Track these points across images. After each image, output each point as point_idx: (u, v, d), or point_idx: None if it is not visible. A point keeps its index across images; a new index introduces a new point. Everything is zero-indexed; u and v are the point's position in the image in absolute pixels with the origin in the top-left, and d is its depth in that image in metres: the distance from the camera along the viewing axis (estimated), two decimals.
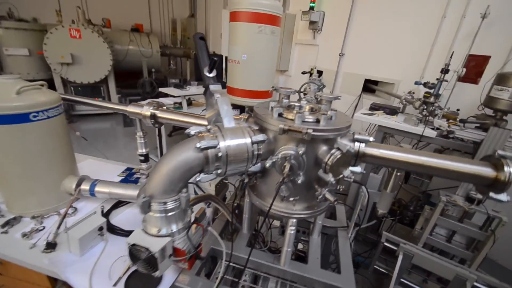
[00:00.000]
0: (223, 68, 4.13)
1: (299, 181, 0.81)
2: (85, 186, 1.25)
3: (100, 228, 1.07)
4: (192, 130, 0.80)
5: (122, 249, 1.08)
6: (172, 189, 0.77)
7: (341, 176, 0.83)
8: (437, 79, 2.10)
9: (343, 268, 1.06)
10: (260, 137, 0.81)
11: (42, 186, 1.20)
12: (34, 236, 1.11)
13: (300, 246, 1.48)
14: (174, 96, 4.06)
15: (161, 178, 0.76)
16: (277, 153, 0.82)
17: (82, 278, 0.94)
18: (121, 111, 1.27)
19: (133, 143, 4.77)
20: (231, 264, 1.02)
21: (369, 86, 3.47)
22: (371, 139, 0.86)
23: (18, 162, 1.11)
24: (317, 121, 0.82)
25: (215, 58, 0.84)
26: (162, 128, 3.51)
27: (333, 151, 0.80)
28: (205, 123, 1.05)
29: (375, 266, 1.85)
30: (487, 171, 0.80)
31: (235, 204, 1.19)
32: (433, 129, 2.04)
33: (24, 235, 1.10)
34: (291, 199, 0.87)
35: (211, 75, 0.90)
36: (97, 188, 1.25)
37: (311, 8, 3.85)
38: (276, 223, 1.80)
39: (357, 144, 0.86)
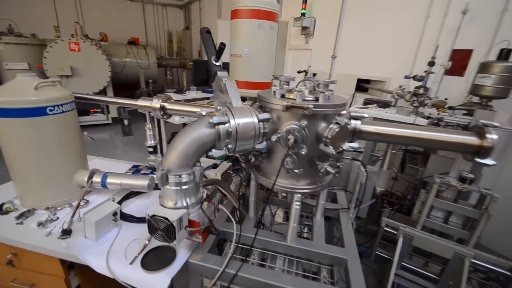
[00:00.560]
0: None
1: (303, 152, 0.89)
2: (96, 178, 1.30)
3: (114, 214, 1.13)
4: (204, 111, 0.88)
5: (135, 233, 1.14)
6: (187, 163, 0.84)
7: (340, 150, 0.91)
8: (425, 71, 2.23)
9: (346, 243, 1.12)
10: (265, 115, 0.89)
11: (56, 179, 1.25)
12: (49, 225, 1.16)
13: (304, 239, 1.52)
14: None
15: (177, 153, 0.82)
16: (281, 129, 0.89)
17: (99, 258, 0.99)
18: (132, 105, 1.35)
19: (132, 151, 4.83)
20: (239, 245, 1.07)
21: (362, 85, 3.61)
22: (366, 115, 0.95)
23: (35, 155, 1.17)
24: (316, 99, 0.91)
25: (222, 46, 0.93)
26: (163, 133, 3.58)
27: (331, 125, 0.89)
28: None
29: (377, 252, 1.90)
30: (473, 139, 0.89)
31: (240, 194, 1.26)
32: (424, 117, 2.15)
33: (40, 224, 1.14)
34: (296, 170, 0.94)
35: (218, 63, 0.99)
36: (108, 180, 1.30)
37: (303, 14, 4.05)
38: (280, 216, 1.86)
39: (353, 121, 0.94)
